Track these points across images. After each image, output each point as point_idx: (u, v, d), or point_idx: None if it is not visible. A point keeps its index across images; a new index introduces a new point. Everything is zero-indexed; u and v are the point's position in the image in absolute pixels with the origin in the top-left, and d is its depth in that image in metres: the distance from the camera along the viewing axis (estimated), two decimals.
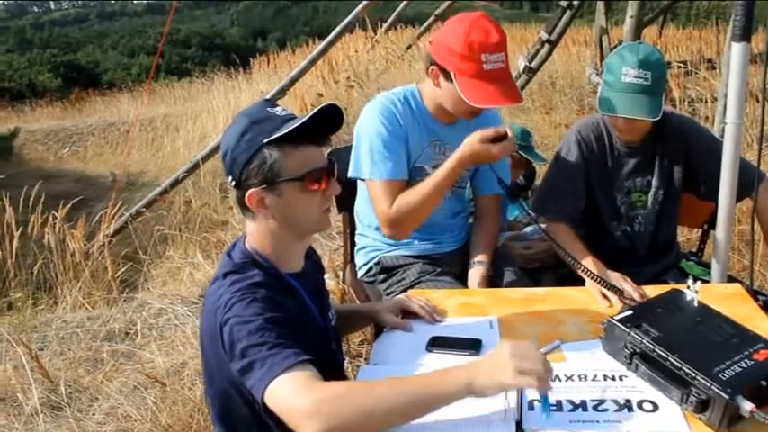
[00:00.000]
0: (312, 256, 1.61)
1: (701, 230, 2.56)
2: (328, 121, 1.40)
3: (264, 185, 1.36)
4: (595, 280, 1.84)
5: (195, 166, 5.50)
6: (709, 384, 1.23)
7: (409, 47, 9.29)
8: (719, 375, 1.25)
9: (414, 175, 2.17)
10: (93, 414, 2.65)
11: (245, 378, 1.24)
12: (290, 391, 1.17)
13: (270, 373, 1.20)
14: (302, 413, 1.14)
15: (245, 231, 1.50)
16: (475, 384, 1.21)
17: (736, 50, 1.80)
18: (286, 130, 1.32)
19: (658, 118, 1.98)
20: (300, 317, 1.44)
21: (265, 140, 1.34)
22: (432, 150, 2.18)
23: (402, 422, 1.21)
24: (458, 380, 1.22)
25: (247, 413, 1.36)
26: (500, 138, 1.91)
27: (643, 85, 1.97)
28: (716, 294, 1.74)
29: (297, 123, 1.33)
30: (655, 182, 2.22)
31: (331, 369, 1.32)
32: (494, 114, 2.34)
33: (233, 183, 1.40)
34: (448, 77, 2.00)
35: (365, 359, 2.64)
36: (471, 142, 1.92)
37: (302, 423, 1.15)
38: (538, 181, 3.75)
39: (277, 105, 1.42)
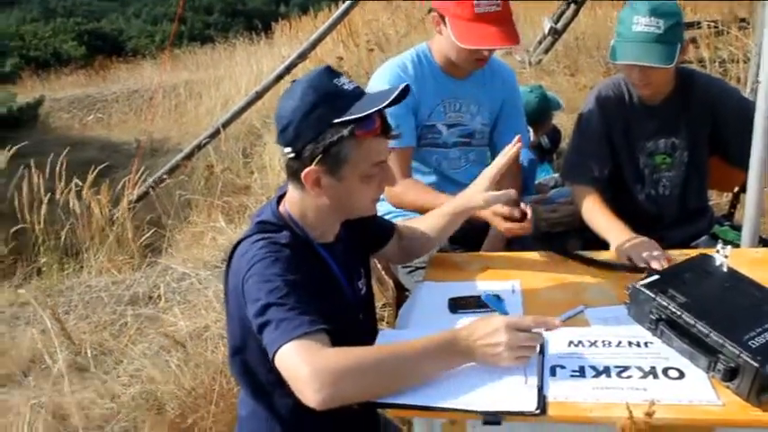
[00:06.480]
0: (352, 222, 1.57)
1: (731, 194, 2.49)
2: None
3: (325, 167, 1.35)
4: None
5: (217, 132, 5.48)
6: (738, 352, 1.20)
7: (431, 10, 9.11)
8: (749, 343, 1.21)
9: (425, 133, 2.19)
10: (119, 376, 2.69)
11: (262, 336, 1.26)
12: (296, 358, 1.19)
13: (282, 337, 1.21)
14: (304, 381, 1.16)
15: (275, 196, 1.51)
16: (472, 358, 1.26)
17: None
18: (359, 114, 1.30)
19: (671, 66, 1.91)
20: (323, 285, 1.43)
21: (336, 120, 1.31)
22: (444, 107, 2.17)
23: (401, 388, 1.22)
24: (456, 349, 1.25)
25: (269, 369, 1.36)
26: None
27: (654, 33, 1.90)
28: (746, 259, 1.69)
29: (373, 109, 1.31)
30: (679, 143, 2.15)
31: (358, 338, 1.32)
32: (507, 71, 2.31)
33: (292, 154, 1.38)
34: (446, 23, 2.02)
35: (386, 322, 2.64)
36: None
37: (304, 390, 1.17)
38: (563, 143, 3.71)
39: (341, 75, 1.39)
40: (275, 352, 1.22)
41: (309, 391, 1.15)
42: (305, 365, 1.17)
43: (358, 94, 1.36)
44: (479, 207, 1.73)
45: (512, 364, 1.25)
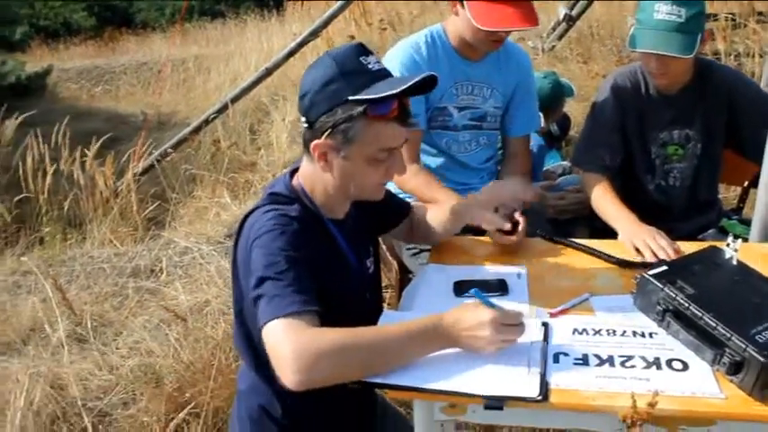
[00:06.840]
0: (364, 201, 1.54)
1: (741, 188, 2.47)
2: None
3: (334, 142, 1.33)
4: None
5: (225, 107, 5.45)
6: (744, 346, 1.18)
7: None
8: (756, 338, 1.20)
9: (435, 115, 2.17)
10: (118, 348, 2.69)
11: (255, 307, 1.26)
12: (281, 335, 1.18)
13: (272, 311, 1.21)
14: (285, 360, 1.16)
15: (288, 169, 1.49)
16: (455, 345, 1.26)
17: None
18: (373, 95, 1.27)
19: (691, 56, 1.89)
20: (331, 260, 1.42)
21: (350, 98, 1.29)
22: (456, 90, 2.14)
23: (382, 370, 1.22)
24: (439, 334, 1.25)
25: None
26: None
27: (676, 22, 1.87)
28: (756, 253, 1.66)
29: (389, 92, 1.27)
30: (693, 135, 2.12)
31: (363, 316, 1.32)
32: (523, 54, 2.28)
33: (306, 124, 1.36)
34: (463, 4, 1.98)
35: (388, 303, 2.62)
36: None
37: (283, 369, 1.16)
38: (572, 131, 3.68)
39: (370, 53, 1.35)
40: (263, 326, 1.21)
41: (288, 371, 1.15)
42: (288, 344, 1.16)
43: (381, 75, 1.33)
44: (468, 221, 1.75)
45: (492, 353, 1.25)
